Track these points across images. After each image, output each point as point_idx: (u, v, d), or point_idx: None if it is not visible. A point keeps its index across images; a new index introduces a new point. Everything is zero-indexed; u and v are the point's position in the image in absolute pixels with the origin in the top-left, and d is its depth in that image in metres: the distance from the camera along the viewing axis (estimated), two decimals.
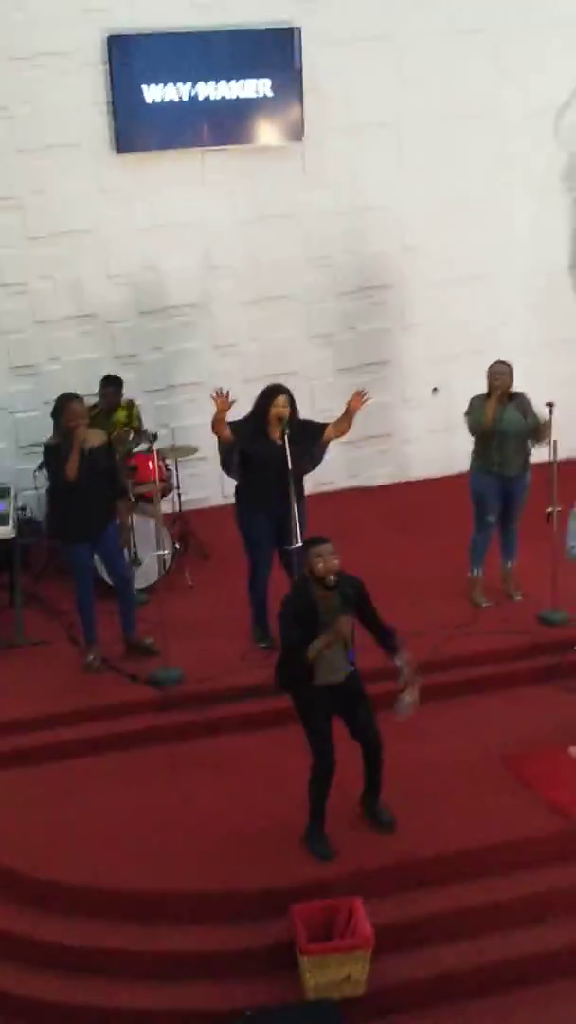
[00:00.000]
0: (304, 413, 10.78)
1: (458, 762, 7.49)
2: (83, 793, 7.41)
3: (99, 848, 6.89)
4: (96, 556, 8.52)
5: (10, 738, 7.79)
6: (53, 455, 8.26)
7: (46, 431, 9.97)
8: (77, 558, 8.41)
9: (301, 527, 8.27)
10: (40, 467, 10.01)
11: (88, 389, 9.90)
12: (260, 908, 6.50)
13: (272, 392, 8.30)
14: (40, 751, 7.72)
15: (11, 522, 8.71)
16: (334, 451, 10.94)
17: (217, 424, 8.26)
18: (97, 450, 8.22)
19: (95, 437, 8.32)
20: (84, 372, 10.29)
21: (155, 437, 9.20)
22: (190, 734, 7.85)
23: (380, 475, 11.76)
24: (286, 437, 8.20)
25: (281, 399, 8.25)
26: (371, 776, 6.92)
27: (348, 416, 8.46)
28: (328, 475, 11.24)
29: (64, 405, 8.23)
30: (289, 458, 8.19)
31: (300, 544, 8.11)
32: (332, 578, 6.56)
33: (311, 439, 8.42)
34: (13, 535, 8.67)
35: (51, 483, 8.47)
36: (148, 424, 10.73)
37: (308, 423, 8.56)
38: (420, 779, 7.29)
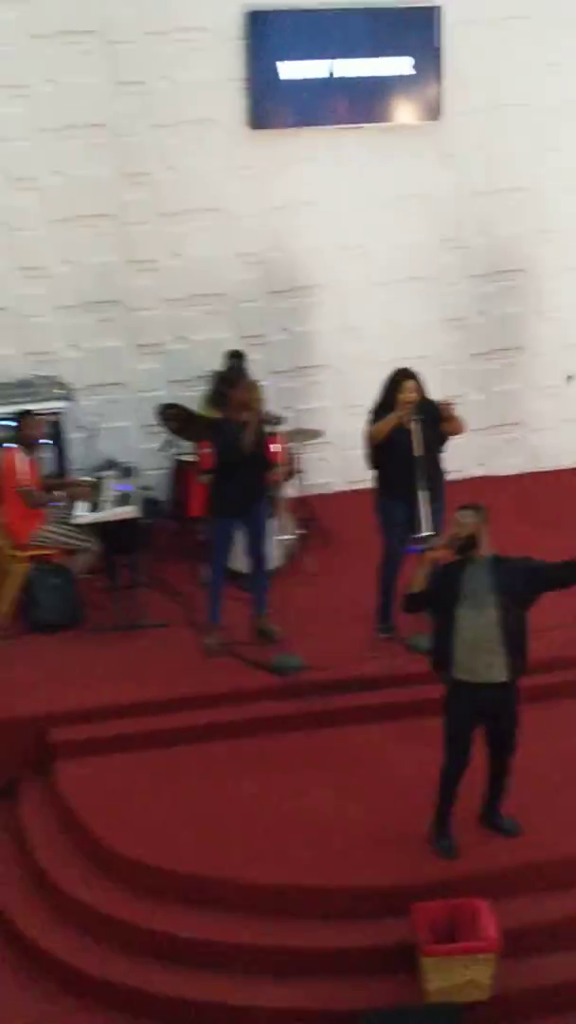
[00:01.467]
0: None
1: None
2: (200, 781, 7.29)
3: (216, 838, 6.77)
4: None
5: (128, 721, 7.70)
6: (218, 428, 8.21)
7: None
8: (223, 532, 8.30)
9: (437, 514, 8.04)
10: (163, 447, 10.00)
11: (215, 368, 9.80)
12: (381, 906, 6.33)
13: (400, 377, 8.08)
14: (157, 736, 7.61)
15: (135, 503, 8.57)
16: (463, 438, 10.73)
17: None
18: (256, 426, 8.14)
19: (253, 417, 8.21)
20: (210, 352, 10.14)
21: (279, 420, 9.03)
22: (309, 724, 7.67)
23: (510, 464, 11.45)
24: (414, 423, 7.95)
25: (410, 384, 8.02)
26: (495, 784, 6.66)
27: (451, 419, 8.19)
28: (457, 462, 11.00)
29: (237, 382, 8.39)
30: (418, 444, 7.93)
31: (430, 533, 7.92)
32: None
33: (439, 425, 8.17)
34: (137, 516, 8.54)
35: (217, 457, 8.31)
36: (272, 407, 10.60)
37: (438, 407, 8.28)
38: (550, 776, 7.04)
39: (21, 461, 8.62)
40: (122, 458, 10.20)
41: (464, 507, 6.48)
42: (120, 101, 9.94)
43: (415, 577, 6.59)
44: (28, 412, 8.88)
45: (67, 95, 9.84)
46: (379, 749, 7.42)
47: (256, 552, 8.43)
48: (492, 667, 6.24)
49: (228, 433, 8.11)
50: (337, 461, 10.68)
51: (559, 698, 7.83)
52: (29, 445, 8.74)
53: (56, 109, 9.85)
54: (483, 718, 6.37)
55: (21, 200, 9.99)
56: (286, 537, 8.91)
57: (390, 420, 7.99)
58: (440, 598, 6.33)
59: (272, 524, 8.90)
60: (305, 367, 10.78)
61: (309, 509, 9.94)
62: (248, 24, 9.91)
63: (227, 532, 8.32)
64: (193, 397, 10.07)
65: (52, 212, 10.06)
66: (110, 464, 9.81)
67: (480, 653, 6.23)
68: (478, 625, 6.21)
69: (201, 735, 7.63)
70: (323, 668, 7.99)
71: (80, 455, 10.27)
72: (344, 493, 10.49)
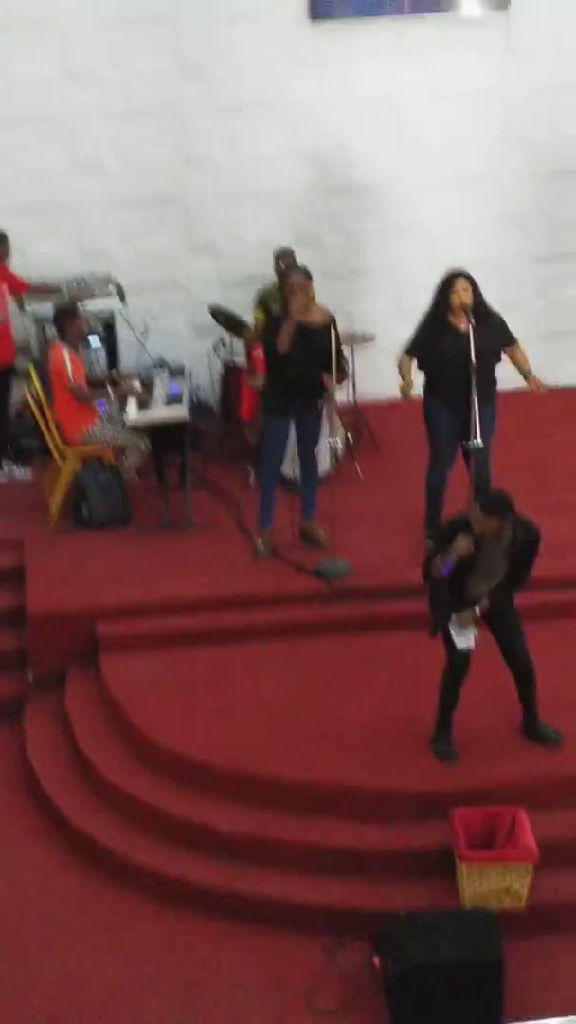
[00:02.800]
0: (492, 304, 10.37)
1: None
2: (243, 679, 7.30)
3: (257, 735, 6.79)
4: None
5: (173, 619, 7.71)
6: (271, 325, 8.05)
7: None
8: (276, 431, 8.21)
9: (488, 423, 7.91)
10: (215, 347, 9.89)
11: (268, 269, 9.64)
12: (421, 810, 6.32)
13: (451, 277, 7.87)
14: (204, 634, 7.63)
15: (185, 404, 8.50)
16: (524, 346, 10.54)
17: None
18: (317, 327, 7.93)
19: (317, 314, 8.04)
20: (264, 251, 9.95)
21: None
22: (354, 629, 7.64)
23: (569, 374, 11.20)
24: (471, 326, 7.77)
25: (461, 282, 7.82)
26: (523, 693, 6.66)
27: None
28: (513, 371, 10.82)
29: (283, 275, 8.15)
30: (473, 348, 7.76)
31: (479, 441, 7.80)
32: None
33: (498, 332, 7.97)
34: (187, 417, 8.46)
35: (265, 353, 8.23)
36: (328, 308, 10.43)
37: (498, 320, 8.09)
38: None
39: (68, 358, 8.54)
40: (173, 359, 10.14)
41: (488, 509, 6.24)
42: None
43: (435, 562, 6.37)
44: (73, 310, 8.77)
45: None
46: (424, 656, 7.34)
47: (306, 455, 8.34)
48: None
49: (276, 330, 7.97)
50: (390, 368, 10.49)
51: None
52: (75, 342, 8.66)
53: (115, 2, 9.63)
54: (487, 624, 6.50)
55: (78, 94, 9.83)
56: (335, 441, 8.78)
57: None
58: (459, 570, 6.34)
59: (323, 427, 8.79)
60: (360, 269, 10.57)
61: (360, 415, 9.81)
62: None
63: (278, 431, 8.22)
64: (245, 298, 9.93)
65: (108, 106, 9.90)
66: (161, 364, 9.74)
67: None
68: (485, 587, 6.39)
69: (245, 635, 7.63)
70: (369, 573, 7.92)
71: (131, 354, 10.20)
72: (396, 400, 10.33)
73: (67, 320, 8.62)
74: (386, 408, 10.03)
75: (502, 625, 6.53)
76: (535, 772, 6.44)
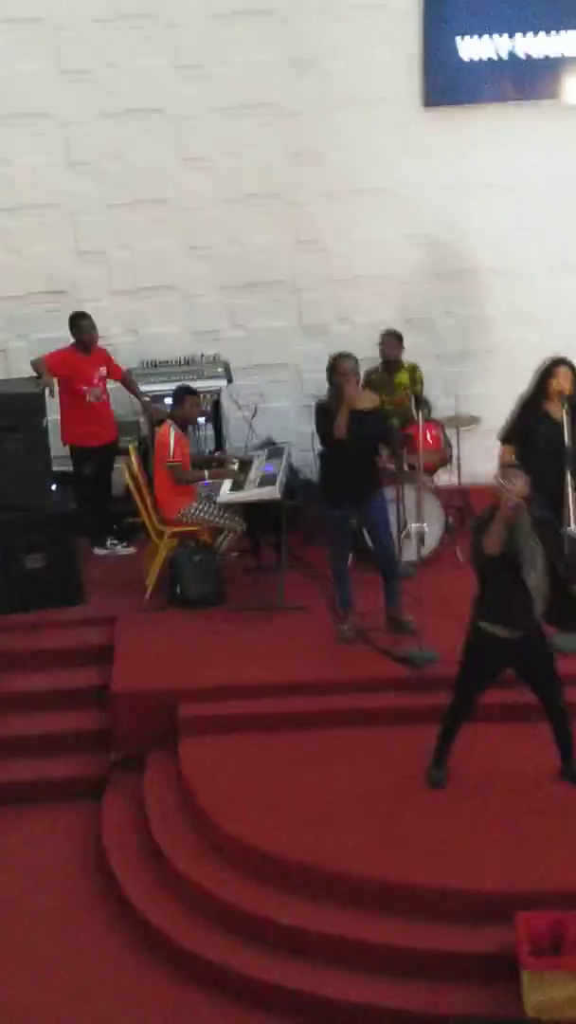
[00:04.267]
0: None
1: None
2: (319, 767, 7.18)
3: (327, 827, 6.64)
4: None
5: (255, 703, 7.67)
6: (322, 413, 8.02)
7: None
8: (334, 522, 8.19)
9: None
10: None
11: (376, 351, 9.67)
12: (487, 912, 6.10)
13: (554, 363, 7.79)
14: (283, 719, 7.55)
15: (278, 484, 8.51)
16: None
17: None
18: (368, 413, 7.90)
19: (367, 400, 8.04)
20: (374, 333, 9.98)
21: (429, 408, 8.87)
22: (437, 718, 7.46)
23: None
24: (564, 413, 7.65)
25: (563, 370, 7.72)
26: (560, 741, 6.76)
27: None
28: None
29: (334, 362, 8.06)
30: (568, 436, 7.63)
31: (574, 528, 7.64)
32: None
33: None
34: (278, 497, 8.47)
35: (321, 442, 8.25)
36: (437, 392, 10.40)
37: None
38: None
39: (174, 437, 8.65)
40: (281, 438, 10.21)
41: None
42: (292, 80, 9.88)
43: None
44: (191, 391, 8.89)
45: (240, 74, 9.84)
46: (507, 748, 7.19)
47: (378, 544, 8.26)
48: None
49: (328, 418, 7.93)
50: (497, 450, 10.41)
51: None
52: (184, 423, 8.77)
53: (230, 89, 9.87)
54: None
55: (193, 179, 10.06)
56: (422, 527, 8.70)
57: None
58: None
59: (395, 513, 8.70)
60: (472, 352, 10.52)
61: (463, 498, 9.69)
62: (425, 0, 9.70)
63: (337, 520, 8.18)
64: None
65: (222, 192, 10.10)
66: (266, 444, 9.81)
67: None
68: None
69: (326, 721, 7.53)
70: (458, 664, 7.75)
71: (239, 433, 10.30)
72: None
73: (183, 399, 8.74)
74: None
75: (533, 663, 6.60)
76: None
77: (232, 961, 6.21)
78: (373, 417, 7.96)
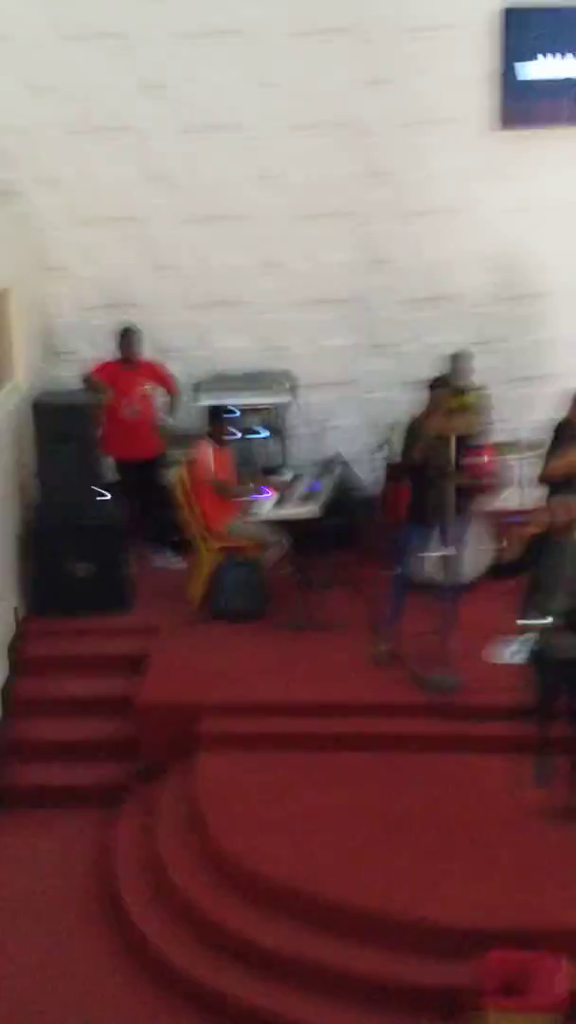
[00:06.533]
0: None
1: None
2: (332, 790, 7.21)
3: (326, 851, 6.67)
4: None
5: (274, 721, 7.74)
6: (411, 430, 8.11)
7: (400, 410, 9.91)
8: (406, 538, 8.21)
9: None
10: (380, 447, 9.93)
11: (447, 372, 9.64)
12: (460, 946, 6.05)
13: None
14: (300, 739, 7.60)
15: (319, 502, 8.55)
16: None
17: None
18: (459, 439, 7.91)
19: (461, 425, 8.03)
20: (444, 354, 9.92)
21: (484, 431, 8.80)
22: (450, 746, 7.45)
23: None
24: None
25: None
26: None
27: None
28: None
29: (432, 388, 8.19)
30: None
31: None
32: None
33: None
34: (318, 515, 8.52)
35: (402, 458, 8.30)
36: (506, 415, 10.31)
37: None
38: None
39: (212, 454, 8.78)
40: (348, 455, 10.26)
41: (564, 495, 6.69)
42: (369, 99, 9.91)
43: (510, 547, 6.78)
44: (219, 412, 9.01)
45: (317, 92, 9.90)
46: (505, 783, 7.11)
47: (447, 565, 8.23)
48: (562, 643, 6.53)
49: (412, 438, 7.97)
50: None
51: None
52: (220, 439, 8.89)
53: (305, 106, 9.94)
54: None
55: (267, 196, 10.15)
56: (484, 551, 8.69)
57: (570, 460, 7.55)
58: (539, 576, 6.59)
59: (471, 538, 8.65)
60: (541, 376, 10.39)
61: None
62: (503, 21, 9.65)
63: (412, 538, 8.18)
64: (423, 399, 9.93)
65: (296, 209, 10.18)
66: (332, 461, 9.87)
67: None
68: (564, 607, 6.51)
69: (343, 743, 7.56)
70: (480, 691, 7.72)
71: (306, 449, 10.38)
72: None
73: (214, 420, 8.88)
74: None
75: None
76: None
77: (213, 979, 6.28)
78: (463, 442, 7.96)
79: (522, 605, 6.61)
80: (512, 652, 6.48)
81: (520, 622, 6.60)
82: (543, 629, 6.46)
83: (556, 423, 7.77)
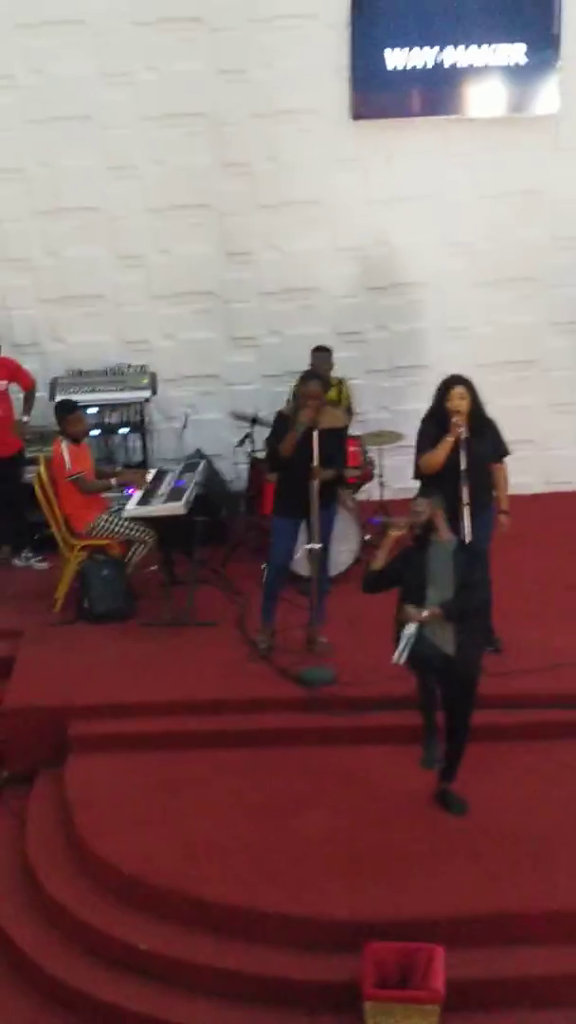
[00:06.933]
0: (542, 407, 10.08)
1: None
2: (205, 788, 7.08)
3: (200, 850, 6.54)
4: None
5: (145, 721, 7.58)
6: (278, 424, 7.98)
7: (261, 404, 9.86)
8: (277, 532, 8.11)
9: (482, 531, 7.63)
10: (241, 442, 9.85)
11: (305, 365, 9.58)
12: (344, 940, 6.01)
13: (447, 384, 7.61)
14: (174, 738, 7.46)
15: (184, 499, 8.43)
16: (571, 449, 10.25)
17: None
18: (327, 432, 7.80)
19: (331, 419, 7.93)
20: (304, 347, 9.90)
21: (347, 421, 8.77)
22: (324, 739, 7.40)
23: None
24: (461, 436, 7.49)
25: (457, 391, 7.55)
26: (448, 752, 6.70)
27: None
28: (564, 474, 10.57)
29: (302, 381, 7.99)
30: (465, 458, 7.49)
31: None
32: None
33: (491, 445, 7.67)
34: (184, 512, 8.40)
35: (267, 453, 8.20)
36: (368, 407, 10.35)
37: (494, 432, 7.72)
38: (542, 823, 6.61)
39: (69, 451, 8.61)
40: (211, 450, 10.18)
41: (418, 495, 6.64)
42: (221, 90, 9.81)
43: (376, 555, 6.73)
44: (72, 407, 8.82)
45: (169, 83, 9.77)
46: (392, 773, 7.09)
47: (315, 559, 8.17)
48: (447, 642, 6.42)
49: (281, 431, 7.90)
50: None
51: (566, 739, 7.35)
52: (75, 436, 8.71)
53: (158, 97, 9.81)
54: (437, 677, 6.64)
55: (120, 188, 9.99)
56: (347, 543, 8.68)
57: (446, 445, 7.53)
58: (408, 580, 6.51)
59: (338, 531, 8.60)
60: (404, 367, 10.42)
61: (384, 514, 9.60)
62: (354, 10, 9.62)
63: (283, 532, 8.11)
64: (284, 392, 9.89)
65: (150, 201, 10.04)
66: (198, 455, 9.78)
67: (437, 627, 6.43)
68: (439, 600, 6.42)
69: (217, 740, 7.45)
70: (354, 683, 7.69)
71: (168, 445, 10.26)
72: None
73: (64, 416, 8.70)
74: None
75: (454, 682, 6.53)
76: (467, 908, 6.08)
77: (89, 985, 6.14)
78: (331, 436, 7.84)
79: (398, 608, 6.54)
80: (399, 653, 6.41)
81: (402, 623, 6.52)
82: (422, 624, 6.39)
83: (426, 414, 7.73)
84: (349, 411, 9.64)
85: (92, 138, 9.85)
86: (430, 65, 9.73)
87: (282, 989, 5.94)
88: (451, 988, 5.63)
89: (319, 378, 8.12)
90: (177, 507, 8.38)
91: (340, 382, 9.73)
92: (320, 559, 8.04)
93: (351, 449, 9.14)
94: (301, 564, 8.41)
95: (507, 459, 7.78)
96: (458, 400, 7.52)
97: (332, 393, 9.56)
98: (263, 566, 8.96)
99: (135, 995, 6.05)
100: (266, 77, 9.80)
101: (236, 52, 9.73)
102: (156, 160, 9.95)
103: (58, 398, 9.36)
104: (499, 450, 7.72)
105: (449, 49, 9.72)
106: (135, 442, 10.01)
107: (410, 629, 6.38)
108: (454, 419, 7.45)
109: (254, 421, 9.55)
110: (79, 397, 9.52)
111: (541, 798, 6.81)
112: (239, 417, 9.73)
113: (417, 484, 7.37)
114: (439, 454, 7.46)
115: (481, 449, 7.57)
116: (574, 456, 10.50)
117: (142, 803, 7.00)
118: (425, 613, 6.38)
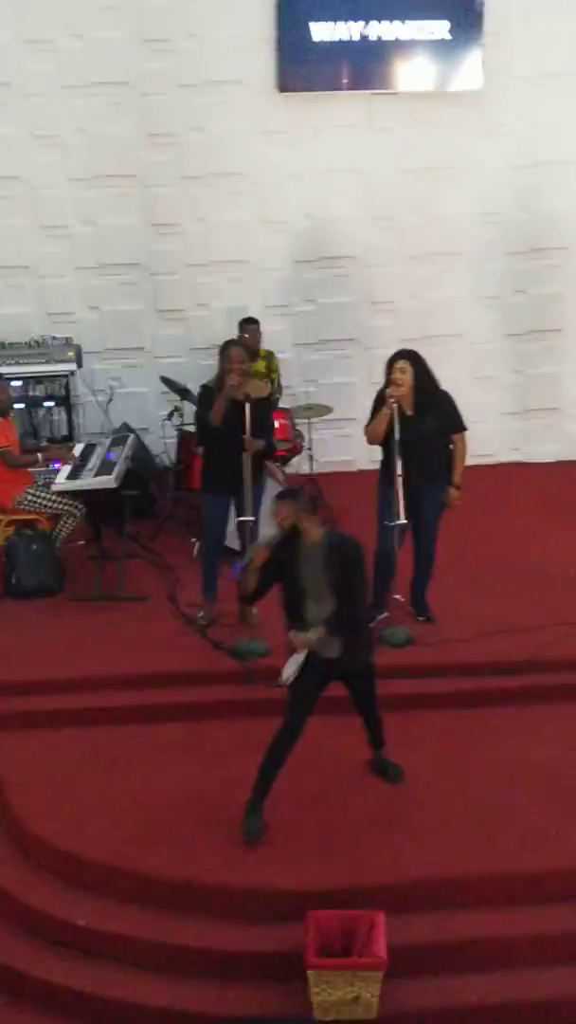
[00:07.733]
0: (467, 379, 10.13)
1: (533, 772, 6.81)
2: (141, 764, 7.03)
3: (136, 826, 6.50)
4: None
5: (77, 697, 7.50)
6: (205, 397, 7.89)
7: (189, 378, 9.79)
8: (211, 508, 8.06)
9: (431, 504, 7.68)
10: (170, 415, 9.80)
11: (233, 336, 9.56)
12: (286, 910, 6.02)
13: (391, 358, 7.62)
14: (105, 713, 7.40)
15: (115, 473, 8.36)
16: (494, 422, 10.32)
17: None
18: (255, 402, 7.74)
19: (255, 389, 7.88)
20: (232, 320, 9.88)
21: (274, 394, 8.75)
22: (260, 711, 7.37)
23: (546, 451, 10.96)
24: (394, 408, 7.52)
25: (398, 364, 7.56)
26: (370, 731, 6.73)
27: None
28: (489, 446, 10.62)
29: (224, 348, 7.89)
30: (397, 426, 7.51)
31: (401, 521, 7.61)
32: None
33: (442, 418, 7.69)
34: (115, 486, 8.33)
35: (197, 426, 8.12)
36: (295, 380, 10.33)
37: (448, 406, 7.73)
38: (486, 786, 6.68)
39: None
40: (138, 424, 10.09)
41: (278, 496, 6.42)
42: (146, 59, 9.72)
43: (246, 579, 6.48)
44: None
45: (92, 51, 9.67)
46: (330, 744, 7.09)
47: (245, 532, 8.14)
48: (329, 645, 6.30)
49: (208, 403, 7.84)
50: (360, 439, 10.32)
51: (531, 702, 7.43)
52: (3, 410, 8.59)
53: (81, 65, 9.69)
54: (328, 682, 6.48)
55: (44, 157, 9.89)
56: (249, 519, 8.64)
57: (383, 418, 7.55)
58: (284, 588, 6.35)
59: (265, 506, 8.58)
60: (331, 340, 10.45)
61: (316, 487, 9.60)
62: None
63: (214, 507, 8.07)
64: (212, 365, 9.82)
65: (74, 171, 9.94)
66: (125, 429, 9.69)
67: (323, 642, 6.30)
68: (320, 614, 6.26)
69: (152, 715, 7.40)
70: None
71: (94, 419, 10.16)
72: (369, 472, 10.13)
73: None
74: (356, 479, 9.87)
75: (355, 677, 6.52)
76: (409, 873, 6.13)
77: (30, 966, 6.05)
78: (261, 405, 7.79)
79: (286, 625, 6.44)
80: (288, 674, 6.38)
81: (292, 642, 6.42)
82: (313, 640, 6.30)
83: (378, 392, 7.75)
84: (278, 384, 9.62)
85: (13, 106, 9.71)
86: (356, 38, 9.73)
87: (225, 961, 5.92)
88: (394, 954, 5.65)
89: (240, 345, 8.07)
90: (108, 480, 8.30)
91: (269, 355, 9.70)
92: (252, 531, 8.03)
93: (280, 422, 9.13)
94: (233, 538, 8.38)
95: None
96: (398, 373, 7.55)
97: (260, 365, 9.55)
98: (193, 540, 8.96)
99: (76, 973, 5.98)
100: (192, 47, 9.74)
101: (161, 21, 9.66)
102: (79, 129, 9.85)
103: None
104: (453, 425, 7.73)
105: (374, 23, 9.72)
106: (60, 416, 9.90)
107: (300, 658, 6.29)
108: (388, 390, 7.48)
109: (184, 393, 9.47)
110: (2, 369, 9.42)
111: (477, 764, 6.87)
112: (170, 384, 9.63)
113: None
114: (376, 426, 7.50)
115: (424, 424, 7.59)
116: (497, 428, 10.59)
117: (80, 780, 6.92)
118: (312, 638, 6.27)
